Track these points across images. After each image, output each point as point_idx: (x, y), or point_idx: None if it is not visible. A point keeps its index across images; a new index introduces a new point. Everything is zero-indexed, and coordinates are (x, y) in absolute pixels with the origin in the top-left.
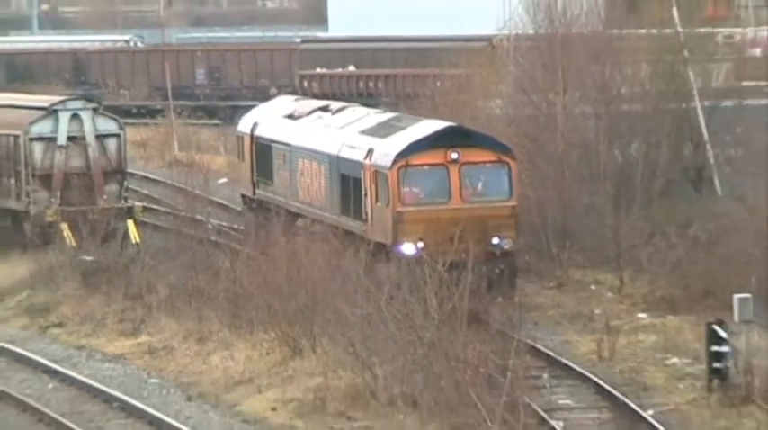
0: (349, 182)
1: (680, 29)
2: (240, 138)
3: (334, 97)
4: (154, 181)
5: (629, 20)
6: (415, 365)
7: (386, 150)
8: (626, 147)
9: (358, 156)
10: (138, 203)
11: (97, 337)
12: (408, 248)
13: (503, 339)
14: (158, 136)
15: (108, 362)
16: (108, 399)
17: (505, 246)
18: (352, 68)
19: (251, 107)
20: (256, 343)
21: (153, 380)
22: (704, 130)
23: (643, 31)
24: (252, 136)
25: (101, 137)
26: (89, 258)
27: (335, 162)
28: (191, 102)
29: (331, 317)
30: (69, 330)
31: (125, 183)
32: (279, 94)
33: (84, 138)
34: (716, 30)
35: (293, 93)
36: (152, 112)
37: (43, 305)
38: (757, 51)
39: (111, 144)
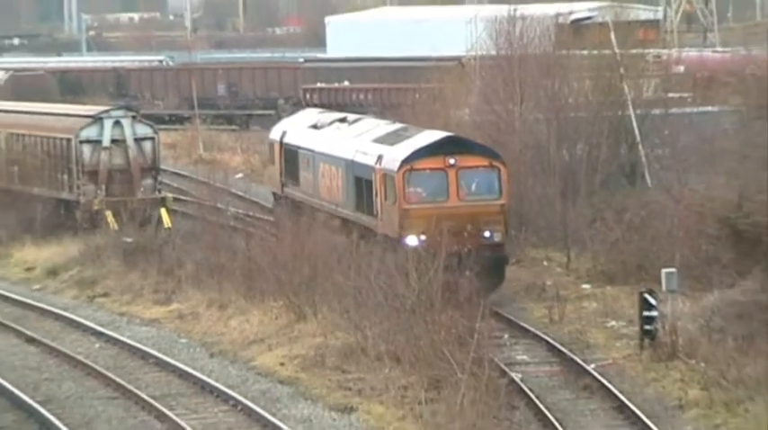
0: (362, 183)
1: (616, 50)
2: (271, 144)
3: (331, 107)
4: (182, 176)
5: (575, 43)
6: (398, 327)
7: (393, 156)
8: (572, 147)
9: (370, 161)
10: (169, 194)
11: (136, 305)
12: (412, 240)
13: (471, 306)
14: (186, 139)
15: (145, 325)
16: (145, 356)
17: (496, 239)
18: (346, 83)
19: (263, 115)
20: (267, 309)
21: (182, 340)
22: (637, 133)
23: (586, 51)
24: (281, 143)
25: (138, 140)
26: (129, 240)
27: (351, 166)
28: (213, 110)
29: (329, 288)
30: (112, 299)
31: (158, 177)
32: (286, 104)
33: (124, 141)
34: (646, 51)
35: (298, 104)
36: (181, 119)
37: (91, 279)
38: (681, 68)
39: (147, 146)
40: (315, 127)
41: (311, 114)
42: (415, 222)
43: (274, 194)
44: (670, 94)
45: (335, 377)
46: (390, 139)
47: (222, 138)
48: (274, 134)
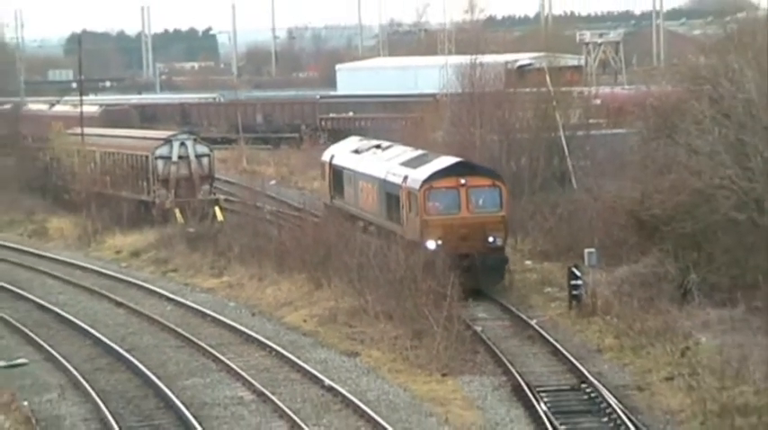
0: (392, 197)
1: (551, 88)
2: (322, 164)
3: (340, 132)
4: (231, 182)
5: (519, 83)
6: (390, 293)
7: (416, 177)
8: (518, 160)
9: (398, 180)
10: (221, 196)
11: (197, 278)
12: (431, 244)
13: (444, 277)
14: (233, 155)
15: (203, 293)
16: (204, 316)
17: (498, 243)
18: (351, 113)
19: (290, 137)
20: (294, 281)
21: (231, 304)
22: (566, 149)
23: (528, 89)
24: (330, 163)
25: (198, 156)
26: (192, 230)
27: (383, 184)
28: (253, 134)
29: (339, 265)
30: (180, 274)
31: (213, 184)
32: (306, 129)
33: (188, 157)
34: (572, 89)
35: (315, 130)
36: (229, 141)
37: (164, 259)
38: (598, 101)
39: (205, 160)
40: (356, 152)
41: (353, 141)
42: (434, 230)
43: (324, 204)
44: (590, 120)
45: (344, 330)
46: (414, 163)
47: (260, 155)
48: (325, 156)
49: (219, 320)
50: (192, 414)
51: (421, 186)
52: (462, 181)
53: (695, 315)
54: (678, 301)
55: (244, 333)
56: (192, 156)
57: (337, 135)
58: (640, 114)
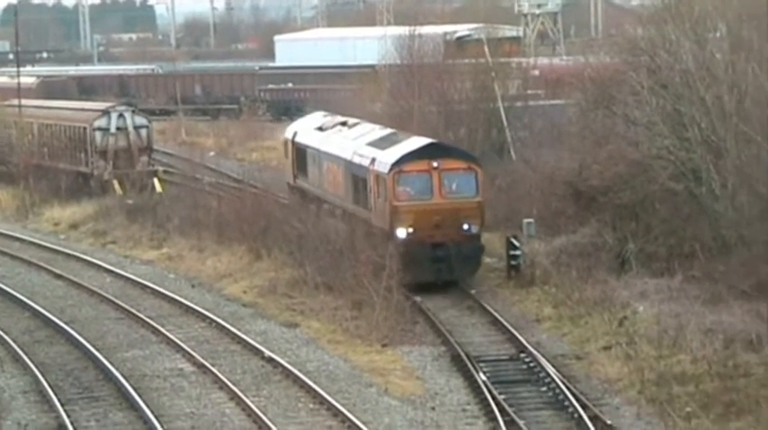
0: (358, 181)
1: (489, 59)
2: (285, 142)
3: (280, 103)
4: (170, 154)
5: (458, 54)
6: (330, 264)
7: (385, 159)
8: (457, 131)
9: (365, 162)
10: (160, 168)
11: (136, 250)
12: (401, 233)
13: (384, 248)
14: (172, 127)
15: (143, 265)
16: (143, 287)
17: (473, 231)
18: (290, 85)
19: (229, 109)
20: (234, 252)
21: (171, 276)
22: (504, 121)
23: (467, 61)
24: (293, 141)
25: (137, 127)
26: (130, 201)
27: (349, 165)
28: (191, 106)
29: (279, 235)
30: (119, 246)
31: (152, 155)
32: (246, 102)
33: (126, 129)
34: (511, 60)
35: (254, 101)
36: (168, 113)
37: (102, 230)
38: (536, 72)
39: (143, 132)
40: (320, 129)
41: (317, 118)
42: (404, 217)
43: (288, 184)
44: (528, 91)
45: (284, 301)
46: (382, 144)
47: (199, 126)
48: (288, 133)
49: (159, 292)
50: (131, 385)
51: (390, 170)
52: (435, 164)
53: (633, 284)
54: (616, 271)
55: (183, 304)
56: (130, 128)
57: (276, 106)
58: (578, 85)
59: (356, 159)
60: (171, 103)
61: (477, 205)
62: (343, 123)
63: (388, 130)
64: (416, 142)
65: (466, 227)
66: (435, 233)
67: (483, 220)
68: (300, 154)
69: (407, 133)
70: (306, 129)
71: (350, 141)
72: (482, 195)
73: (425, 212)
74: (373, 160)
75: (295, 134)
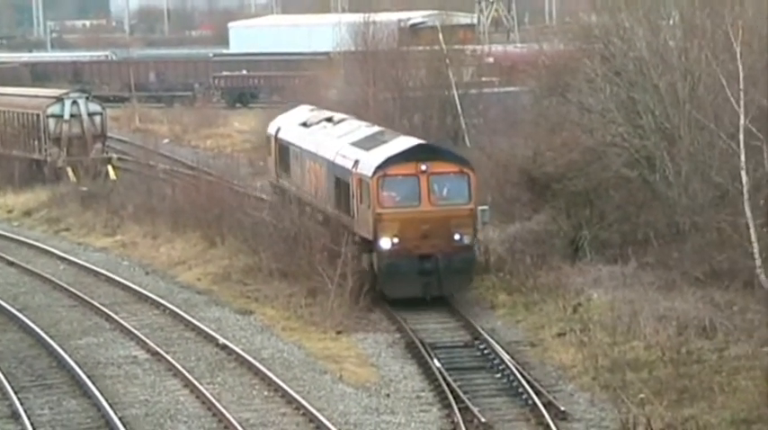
0: (341, 184)
1: (443, 46)
2: (268, 138)
3: (234, 89)
4: (124, 141)
5: (413, 41)
6: (284, 251)
7: (368, 162)
8: (411, 118)
9: (348, 164)
10: (114, 155)
11: (90, 237)
12: (386, 243)
13: (338, 235)
14: (126, 114)
15: (97, 252)
16: (97, 274)
17: (465, 241)
18: (244, 72)
19: (183, 95)
20: (188, 239)
21: (124, 263)
22: (459, 107)
23: (421, 48)
24: (276, 137)
25: (91, 114)
26: (84, 189)
27: (332, 166)
28: (145, 93)
29: (234, 223)
30: (73, 233)
31: (106, 142)
32: (200, 89)
33: (80, 116)
34: (465, 47)
35: (208, 88)
36: (122, 99)
37: (56, 217)
38: (491, 59)
39: (97, 119)
40: (304, 125)
41: (303, 112)
42: (389, 226)
43: (271, 183)
44: (483, 78)
45: (239, 288)
46: (367, 144)
47: (153, 113)
48: (271, 129)
49: (113, 279)
50: (85, 373)
51: (374, 173)
52: (423, 167)
53: (587, 271)
54: (570, 258)
55: (137, 292)
56: (84, 115)
57: (231, 93)
58: (533, 73)
59: (339, 160)
60: (125, 89)
61: (469, 213)
62: (329, 119)
63: (376, 129)
64: (403, 143)
65: (457, 237)
66: (423, 243)
67: (476, 230)
68: (283, 151)
69: (395, 133)
70: (289, 125)
71: (334, 140)
72: (475, 202)
73: (412, 220)
74: (356, 162)
75: (278, 130)
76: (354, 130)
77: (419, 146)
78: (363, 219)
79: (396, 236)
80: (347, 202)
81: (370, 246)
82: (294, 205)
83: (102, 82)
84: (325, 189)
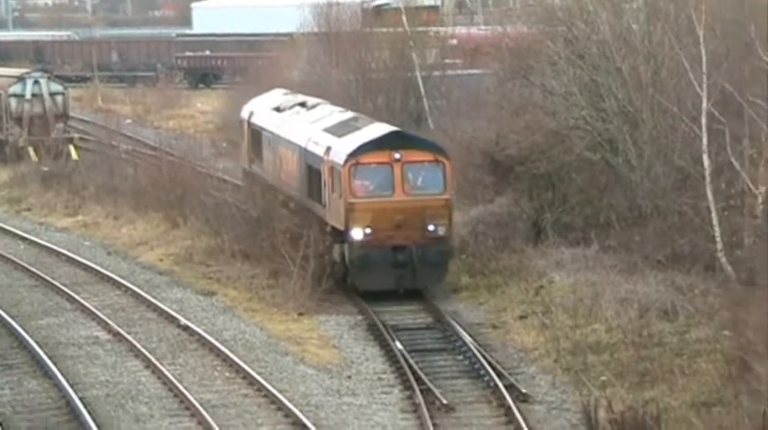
0: (313, 172)
1: (407, 28)
2: (241, 122)
3: (197, 70)
4: (86, 121)
5: (376, 23)
6: (247, 233)
7: (340, 149)
8: (375, 99)
9: (319, 151)
10: (76, 135)
11: (51, 217)
12: (357, 234)
13: (302, 218)
14: (88, 94)
15: (58, 232)
16: (58, 255)
17: (440, 232)
18: (207, 52)
19: (145, 76)
20: (150, 220)
21: (86, 243)
22: (422, 90)
23: (384, 29)
24: (249, 122)
25: (52, 94)
26: (46, 168)
27: (304, 153)
28: (108, 73)
29: (196, 203)
30: (34, 213)
31: (68, 122)
32: (163, 69)
33: (42, 95)
34: (429, 28)
35: (171, 69)
36: (84, 79)
37: (17, 197)
38: (454, 41)
39: (59, 99)
40: (278, 109)
41: (276, 96)
42: (361, 216)
43: (243, 170)
44: (446, 61)
45: (201, 269)
46: (339, 131)
47: (115, 94)
48: (243, 113)
49: (74, 259)
50: (46, 353)
51: (345, 161)
52: (397, 155)
53: (549, 254)
54: (533, 241)
55: (99, 272)
56: (45, 95)
57: (194, 74)
58: (496, 55)
59: (311, 147)
60: (87, 69)
61: (444, 203)
62: (302, 104)
63: (350, 114)
64: (377, 130)
65: (432, 227)
66: (396, 234)
67: (451, 221)
68: (256, 137)
69: (370, 119)
70: (262, 110)
71: (306, 125)
72: (451, 192)
73: (385, 210)
74: (328, 149)
75: (251, 114)
76: (327, 116)
77: (393, 133)
78: (335, 209)
79: (368, 226)
80: (319, 191)
81: (342, 236)
82: (264, 192)
83: (64, 62)
84: (297, 177)
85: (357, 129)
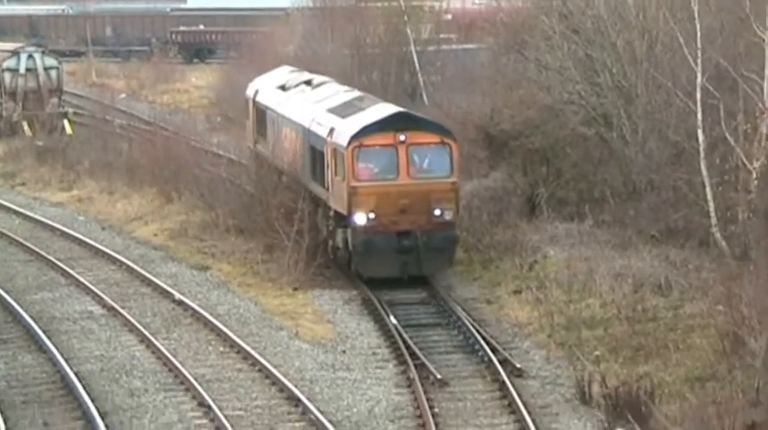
0: (316, 154)
1: (402, 3)
2: (246, 100)
3: (191, 45)
4: (80, 96)
5: None
6: (241, 207)
7: (344, 131)
8: (369, 74)
9: (323, 132)
10: (70, 109)
11: (46, 192)
12: (361, 219)
13: (295, 192)
14: (82, 68)
15: (53, 207)
16: (53, 229)
17: (447, 217)
18: (201, 27)
19: (140, 50)
20: (144, 194)
21: (80, 218)
22: (417, 65)
23: (379, 4)
24: (254, 100)
25: (47, 69)
26: (40, 143)
27: (307, 134)
28: (102, 47)
29: (190, 178)
30: (28, 188)
31: (62, 97)
32: (157, 44)
33: (36, 70)
34: (424, 3)
35: (165, 43)
36: (78, 54)
37: (12, 172)
38: (449, 16)
39: (53, 73)
40: (283, 88)
41: (282, 74)
42: (364, 200)
43: (249, 149)
44: (441, 35)
45: (195, 244)
46: (343, 111)
47: (109, 68)
48: (248, 91)
49: (69, 234)
50: (40, 328)
51: (349, 143)
52: (402, 137)
53: (543, 229)
54: (527, 216)
55: (93, 247)
56: (40, 69)
57: (188, 48)
58: (491, 30)
59: (314, 128)
60: (81, 44)
61: (451, 187)
62: (308, 82)
63: (355, 94)
64: (382, 110)
65: (438, 212)
66: (401, 219)
67: (458, 205)
68: (260, 116)
69: (375, 99)
70: (267, 88)
71: (310, 105)
72: (457, 175)
73: (390, 194)
74: (332, 130)
75: (256, 92)
76: (333, 95)
77: (398, 114)
78: (338, 193)
79: (372, 211)
80: (322, 174)
81: (345, 221)
82: (269, 173)
83: (59, 36)
84: (301, 159)
85: (361, 109)
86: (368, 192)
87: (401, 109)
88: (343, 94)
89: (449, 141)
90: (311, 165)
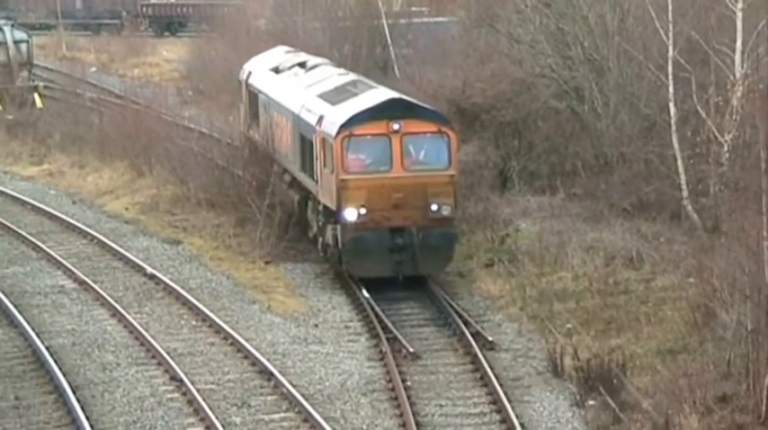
0: (306, 143)
1: None
2: (239, 83)
3: (161, 19)
4: (50, 69)
5: None
6: (212, 181)
7: (333, 119)
8: (341, 47)
9: (312, 120)
10: (41, 83)
11: (16, 166)
12: (351, 214)
13: (266, 165)
14: (53, 41)
15: (23, 181)
16: (24, 203)
17: (444, 213)
18: (172, 0)
19: (110, 24)
20: (115, 168)
21: (51, 192)
22: (388, 38)
23: None
24: (246, 83)
25: (16, 42)
26: (10, 117)
27: (297, 121)
28: (72, 20)
29: (161, 152)
30: None
31: (32, 70)
32: (128, 17)
33: (5, 43)
34: None
35: (136, 17)
36: (48, 27)
37: None
38: None
39: (23, 47)
40: (276, 70)
41: (276, 55)
42: (355, 194)
43: (242, 133)
44: (413, 8)
45: (166, 218)
46: (334, 97)
47: (80, 42)
48: (241, 74)
49: (40, 208)
50: (12, 302)
51: (338, 133)
52: (395, 126)
53: (515, 202)
54: (499, 189)
55: (65, 221)
56: (9, 43)
57: (159, 22)
58: (462, 3)
59: (304, 115)
60: (51, 17)
61: (449, 180)
62: (301, 65)
63: (349, 78)
64: (374, 97)
65: (434, 207)
66: (395, 215)
67: (457, 200)
68: (253, 99)
69: (370, 83)
70: (260, 70)
71: (302, 90)
72: (455, 167)
73: (382, 188)
74: (321, 118)
75: (249, 75)
76: (325, 79)
77: (392, 101)
78: (327, 186)
79: (363, 206)
80: (311, 164)
81: (334, 217)
82: (260, 159)
83: (28, 9)
84: (291, 147)
85: (353, 95)
86: (358, 186)
87: (395, 95)
88: (337, 77)
89: (446, 130)
90: (301, 156)
